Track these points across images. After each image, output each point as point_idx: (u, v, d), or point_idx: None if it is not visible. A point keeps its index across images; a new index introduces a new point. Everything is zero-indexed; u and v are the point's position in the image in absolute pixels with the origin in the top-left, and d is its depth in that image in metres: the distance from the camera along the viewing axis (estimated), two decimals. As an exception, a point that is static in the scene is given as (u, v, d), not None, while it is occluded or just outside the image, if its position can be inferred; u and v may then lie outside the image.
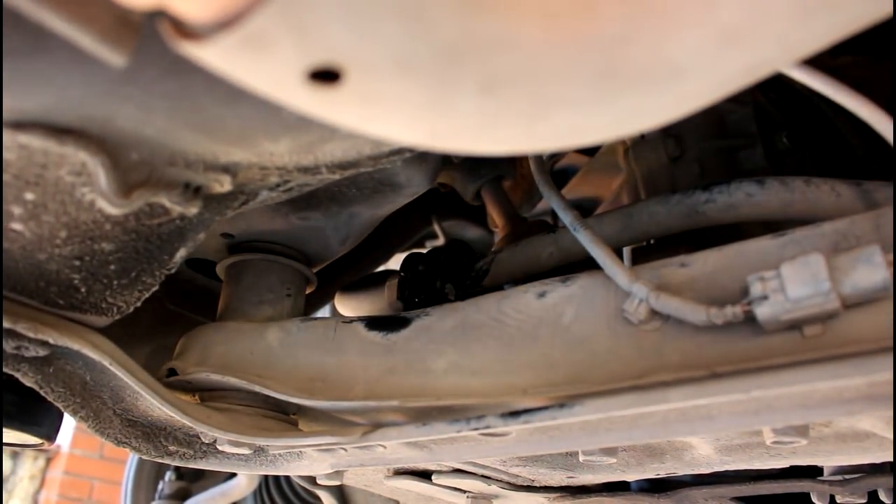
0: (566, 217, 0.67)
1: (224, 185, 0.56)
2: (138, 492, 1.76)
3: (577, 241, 0.72)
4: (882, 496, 0.85)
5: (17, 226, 0.56)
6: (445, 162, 0.99)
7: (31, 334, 0.66)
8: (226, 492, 1.49)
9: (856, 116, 0.54)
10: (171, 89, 0.45)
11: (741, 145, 0.85)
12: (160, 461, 0.87)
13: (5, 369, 0.71)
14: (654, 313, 0.58)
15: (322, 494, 1.37)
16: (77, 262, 0.62)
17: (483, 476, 0.88)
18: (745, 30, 0.31)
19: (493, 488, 0.90)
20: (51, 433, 0.87)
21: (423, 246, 1.40)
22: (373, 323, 0.77)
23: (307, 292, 0.93)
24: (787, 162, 0.84)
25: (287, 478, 1.71)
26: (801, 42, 0.34)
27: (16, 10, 0.31)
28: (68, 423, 3.52)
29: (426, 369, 0.71)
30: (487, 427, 0.66)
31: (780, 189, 0.63)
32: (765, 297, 0.50)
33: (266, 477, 1.71)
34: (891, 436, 0.63)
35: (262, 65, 0.29)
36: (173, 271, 0.69)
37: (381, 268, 1.25)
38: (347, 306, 1.11)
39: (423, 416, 0.74)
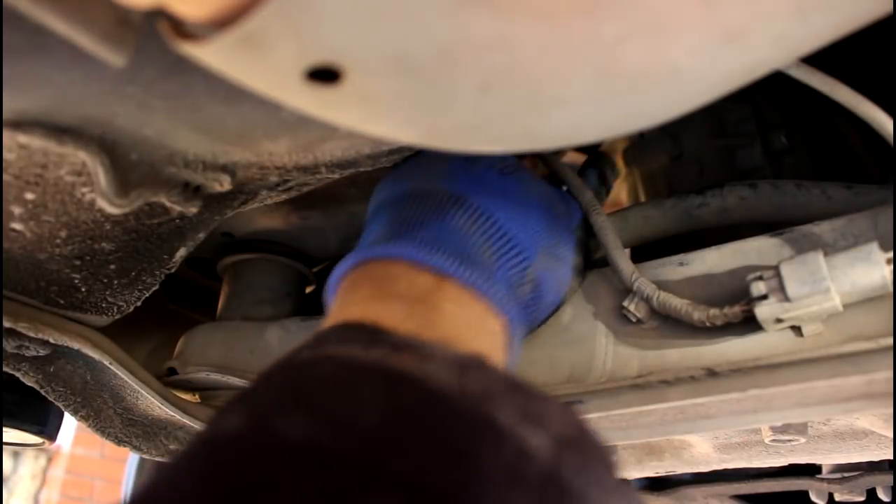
0: (582, 198, 0.65)
1: (223, 184, 0.56)
2: (139, 491, 1.76)
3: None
4: (881, 494, 0.85)
5: (17, 226, 0.56)
6: (445, 161, 0.99)
7: (31, 334, 0.66)
8: (226, 491, 1.49)
9: (855, 115, 0.54)
10: (170, 89, 0.45)
11: (740, 144, 0.85)
12: (161, 460, 0.87)
13: (6, 369, 0.71)
14: (653, 312, 0.58)
15: (322, 493, 1.37)
16: (77, 262, 0.62)
17: (483, 475, 0.88)
18: (744, 29, 0.31)
19: (493, 487, 0.90)
20: (51, 432, 0.87)
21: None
22: (372, 322, 0.77)
23: (307, 292, 0.93)
24: (785, 161, 0.84)
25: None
26: (800, 41, 0.34)
27: (16, 9, 0.31)
28: (69, 423, 3.52)
29: (426, 368, 0.71)
30: (487, 426, 0.66)
31: (771, 193, 0.63)
32: (764, 297, 0.50)
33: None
34: (889, 434, 0.64)
35: (260, 64, 0.29)
36: (173, 271, 0.69)
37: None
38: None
39: (422, 414, 0.74)
